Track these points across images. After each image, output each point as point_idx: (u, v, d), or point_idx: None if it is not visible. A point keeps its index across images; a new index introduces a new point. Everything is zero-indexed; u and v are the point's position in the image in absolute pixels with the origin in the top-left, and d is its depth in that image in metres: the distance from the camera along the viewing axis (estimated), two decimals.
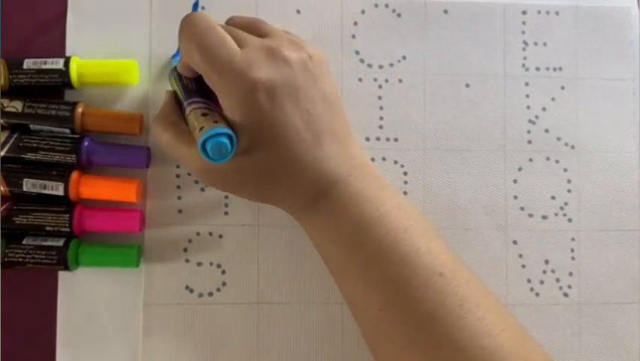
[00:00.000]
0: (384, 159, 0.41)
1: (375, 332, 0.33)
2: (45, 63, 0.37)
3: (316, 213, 0.33)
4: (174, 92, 0.36)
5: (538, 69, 0.42)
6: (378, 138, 0.41)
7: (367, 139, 0.41)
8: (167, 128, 0.34)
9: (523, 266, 0.41)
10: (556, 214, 0.41)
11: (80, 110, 0.37)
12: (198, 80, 0.34)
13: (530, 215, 0.41)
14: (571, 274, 0.41)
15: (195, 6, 0.39)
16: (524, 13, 0.43)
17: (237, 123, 0.32)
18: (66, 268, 0.36)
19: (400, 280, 0.31)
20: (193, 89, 0.35)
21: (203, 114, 0.32)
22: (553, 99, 0.42)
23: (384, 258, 0.32)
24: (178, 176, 0.39)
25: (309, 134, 0.32)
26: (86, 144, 0.37)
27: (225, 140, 0.31)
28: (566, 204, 0.42)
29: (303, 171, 0.33)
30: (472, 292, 0.32)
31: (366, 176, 0.34)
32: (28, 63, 0.37)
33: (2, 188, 0.36)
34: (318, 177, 0.33)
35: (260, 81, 0.31)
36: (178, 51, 0.37)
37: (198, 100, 0.34)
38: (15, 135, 0.37)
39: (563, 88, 0.42)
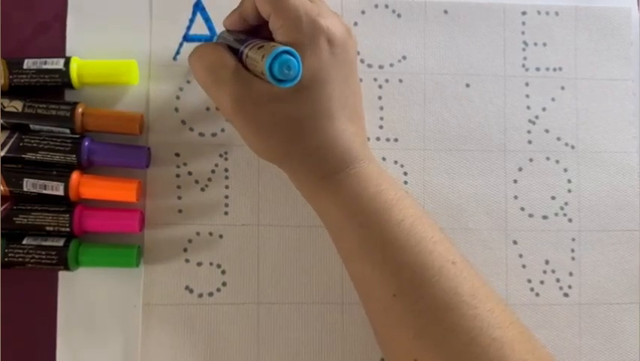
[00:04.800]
0: (384, 159, 0.41)
1: (387, 320, 0.33)
2: (45, 63, 0.37)
3: (337, 184, 0.33)
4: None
5: (538, 69, 0.42)
6: (378, 138, 0.41)
7: (367, 139, 0.41)
8: (215, 51, 0.35)
9: (524, 266, 0.41)
10: (556, 214, 0.41)
11: (80, 110, 0.37)
12: (248, 34, 0.36)
13: (530, 215, 0.41)
14: (571, 274, 0.41)
15: (196, 6, 0.39)
16: (524, 13, 0.43)
17: None
18: (66, 268, 0.36)
19: (417, 265, 0.32)
20: (245, 38, 0.35)
21: (260, 47, 0.33)
22: (553, 99, 0.42)
23: (402, 241, 0.32)
24: (178, 176, 0.39)
25: (346, 106, 0.34)
26: (86, 144, 0.37)
27: (290, 57, 0.31)
28: (566, 204, 0.42)
29: (333, 136, 0.33)
30: (481, 284, 0.32)
31: (380, 166, 0.35)
32: (28, 63, 0.37)
33: (2, 188, 0.36)
34: (344, 149, 0.33)
35: (327, 29, 0.33)
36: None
37: (253, 40, 0.34)
38: (15, 135, 0.37)
39: (562, 88, 0.42)
